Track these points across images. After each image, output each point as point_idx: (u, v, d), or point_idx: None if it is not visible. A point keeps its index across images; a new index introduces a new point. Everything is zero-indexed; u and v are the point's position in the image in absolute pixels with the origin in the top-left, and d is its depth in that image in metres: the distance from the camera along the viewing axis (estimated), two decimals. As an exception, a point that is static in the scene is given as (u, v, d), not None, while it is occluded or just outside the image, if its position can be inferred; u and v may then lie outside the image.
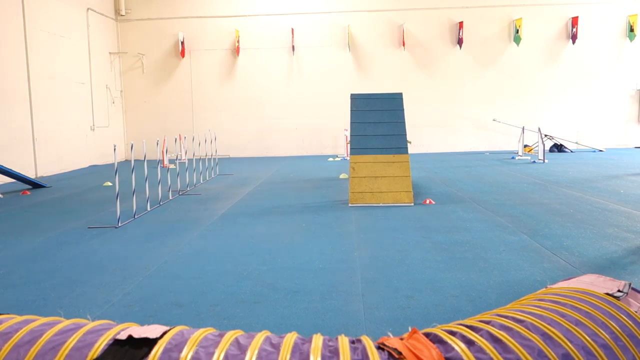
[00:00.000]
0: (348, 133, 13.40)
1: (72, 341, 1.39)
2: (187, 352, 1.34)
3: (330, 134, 17.91)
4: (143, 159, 8.37)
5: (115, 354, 1.34)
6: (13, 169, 10.23)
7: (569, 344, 1.42)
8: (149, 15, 17.67)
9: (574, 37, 17.39)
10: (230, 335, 1.43)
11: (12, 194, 9.59)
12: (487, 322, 1.53)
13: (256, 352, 1.35)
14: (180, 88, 17.93)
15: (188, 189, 9.70)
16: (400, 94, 9.13)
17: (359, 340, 1.45)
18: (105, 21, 16.76)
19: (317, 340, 1.42)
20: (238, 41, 17.49)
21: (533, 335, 1.43)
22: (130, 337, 1.39)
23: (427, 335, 1.50)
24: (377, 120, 8.61)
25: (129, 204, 7.39)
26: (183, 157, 15.35)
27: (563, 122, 17.87)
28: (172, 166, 13.05)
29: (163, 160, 13.08)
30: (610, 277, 1.82)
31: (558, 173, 10.99)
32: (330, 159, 15.93)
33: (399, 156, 8.02)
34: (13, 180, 10.72)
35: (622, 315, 1.57)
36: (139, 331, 1.41)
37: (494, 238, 5.45)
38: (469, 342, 1.42)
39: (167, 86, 17.95)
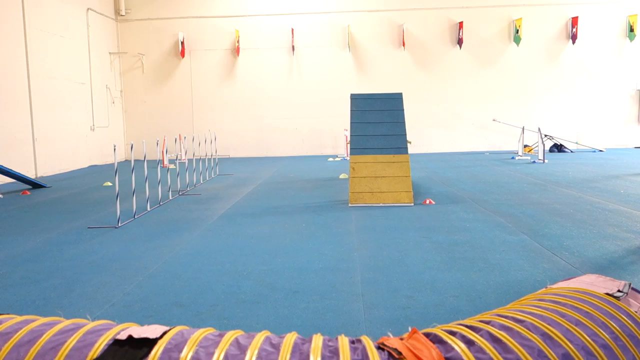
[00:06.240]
0: (348, 133, 13.40)
1: (72, 341, 1.39)
2: (187, 352, 1.34)
3: (330, 134, 17.91)
4: (143, 159, 8.38)
5: (115, 354, 1.34)
6: (13, 169, 10.23)
7: (569, 344, 1.42)
8: (149, 15, 17.67)
9: (574, 37, 17.39)
10: (230, 335, 1.43)
11: (12, 194, 9.59)
12: (487, 322, 1.53)
13: (256, 352, 1.35)
14: (180, 88, 17.93)
15: (188, 189, 9.70)
16: (400, 94, 9.13)
17: (359, 340, 1.45)
18: (105, 21, 16.76)
19: (317, 340, 1.42)
20: (238, 41, 17.49)
21: (533, 335, 1.43)
22: (130, 337, 1.39)
23: (427, 335, 1.50)
24: (377, 121, 8.61)
25: (129, 204, 7.39)
26: (183, 157, 15.35)
27: (563, 122, 17.87)
28: (172, 166, 13.05)
29: (163, 160, 13.07)
30: (610, 277, 1.82)
31: (558, 173, 10.98)
32: (330, 159, 15.93)
33: (399, 156, 8.02)
34: (13, 180, 10.72)
35: (622, 315, 1.57)
36: (139, 331, 1.41)
37: (494, 238, 5.45)
38: (469, 342, 1.42)
39: (167, 86, 17.95)
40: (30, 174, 12.13)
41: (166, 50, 17.80)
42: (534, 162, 13.65)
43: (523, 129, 15.56)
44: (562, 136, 17.53)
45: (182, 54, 17.64)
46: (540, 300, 1.69)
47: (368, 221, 6.50)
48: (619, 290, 1.69)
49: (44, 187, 10.52)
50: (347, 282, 4.11)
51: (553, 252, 4.85)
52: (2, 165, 9.83)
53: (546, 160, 13.65)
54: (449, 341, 1.43)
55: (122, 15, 17.53)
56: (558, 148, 16.80)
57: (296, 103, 17.87)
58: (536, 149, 15.93)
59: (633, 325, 1.54)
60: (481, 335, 1.44)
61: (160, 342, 1.37)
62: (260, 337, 1.43)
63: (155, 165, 10.75)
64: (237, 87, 17.89)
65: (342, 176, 11.20)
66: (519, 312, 1.58)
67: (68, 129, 14.25)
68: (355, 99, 9.08)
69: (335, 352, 1.37)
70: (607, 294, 1.67)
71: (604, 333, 1.48)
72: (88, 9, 15.53)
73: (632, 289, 1.73)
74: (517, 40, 17.38)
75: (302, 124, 17.98)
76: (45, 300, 3.88)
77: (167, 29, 17.69)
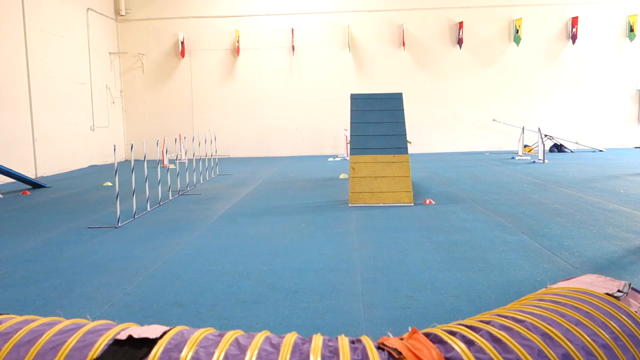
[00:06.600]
0: (348, 133, 13.40)
1: (72, 341, 1.39)
2: (187, 352, 1.34)
3: (330, 134, 17.91)
4: (143, 159, 8.38)
5: (115, 354, 1.34)
6: (13, 169, 10.23)
7: (569, 344, 1.42)
8: (149, 15, 17.67)
9: (574, 37, 17.39)
10: (230, 335, 1.43)
11: (12, 194, 9.59)
12: (487, 322, 1.53)
13: (256, 352, 1.35)
14: (180, 88, 17.93)
15: (188, 189, 9.70)
16: (400, 94, 9.13)
17: (359, 340, 1.45)
18: (105, 21, 16.76)
19: (317, 340, 1.42)
20: (238, 41, 17.49)
21: (533, 335, 1.43)
22: (130, 337, 1.39)
23: (427, 335, 1.50)
24: (377, 121, 8.61)
25: (129, 204, 7.39)
26: (183, 157, 15.35)
27: (563, 122, 17.87)
28: (172, 166, 13.05)
29: (163, 160, 13.07)
30: (610, 277, 1.82)
31: (558, 173, 10.98)
32: (330, 159, 15.93)
33: (399, 156, 8.02)
34: (13, 180, 10.72)
35: (622, 315, 1.57)
36: (139, 331, 1.41)
37: (494, 238, 5.45)
38: (469, 342, 1.42)
39: (167, 86, 17.95)
40: (30, 174, 12.13)
41: (166, 50, 17.80)
42: (534, 162, 13.65)
43: (523, 129, 15.56)
44: (562, 136, 17.53)
45: (182, 54, 17.64)
46: (540, 300, 1.69)
47: (368, 221, 6.50)
48: (619, 290, 1.69)
49: (44, 187, 10.52)
50: (347, 282, 4.11)
51: (553, 252, 4.85)
52: (2, 165, 9.83)
53: (546, 160, 13.65)
54: (449, 341, 1.43)
55: (122, 15, 17.53)
56: (558, 148, 16.80)
57: (296, 103, 17.87)
58: (536, 149, 15.92)
59: (633, 325, 1.54)
60: (481, 335, 1.44)
61: (160, 342, 1.37)
62: (260, 337, 1.43)
63: (155, 165, 10.76)
64: (237, 87, 17.89)
65: (342, 176, 11.20)
66: (519, 312, 1.58)
67: (68, 129, 14.25)
68: (355, 99, 9.08)
69: (335, 352, 1.37)
70: (607, 294, 1.67)
71: (604, 333, 1.48)
72: (88, 9, 15.53)
73: (632, 289, 1.73)
74: (517, 40, 17.38)
75: (302, 124, 17.98)
76: (45, 300, 3.88)
77: (167, 29, 17.69)
